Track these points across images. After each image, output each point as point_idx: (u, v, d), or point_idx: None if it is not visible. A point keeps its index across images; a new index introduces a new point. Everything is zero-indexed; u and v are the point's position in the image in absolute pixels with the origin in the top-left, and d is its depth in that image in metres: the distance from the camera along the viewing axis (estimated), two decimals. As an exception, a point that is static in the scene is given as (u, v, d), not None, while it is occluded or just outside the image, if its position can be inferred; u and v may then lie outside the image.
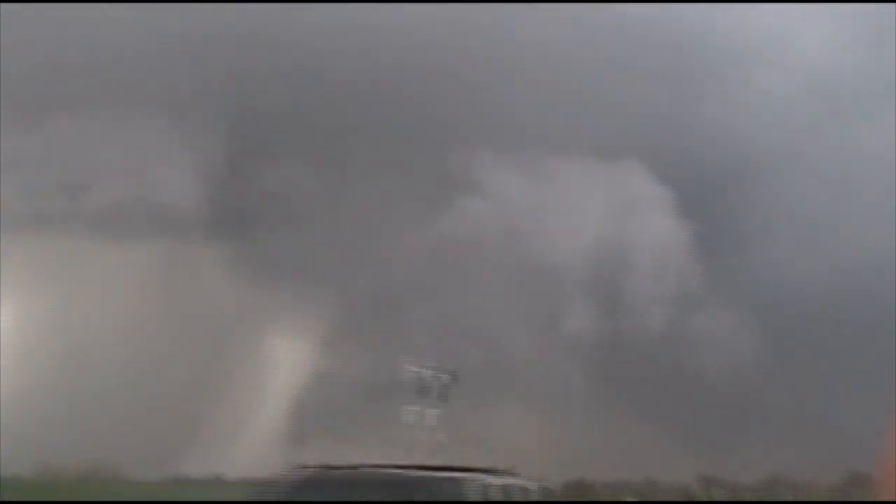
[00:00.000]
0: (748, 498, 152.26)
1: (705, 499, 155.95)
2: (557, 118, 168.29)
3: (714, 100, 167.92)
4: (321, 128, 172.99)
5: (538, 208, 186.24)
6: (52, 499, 52.80)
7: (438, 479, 15.15)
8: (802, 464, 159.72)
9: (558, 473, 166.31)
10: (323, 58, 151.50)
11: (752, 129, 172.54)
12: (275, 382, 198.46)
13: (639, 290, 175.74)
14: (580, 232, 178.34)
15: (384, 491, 14.86)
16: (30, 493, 56.75)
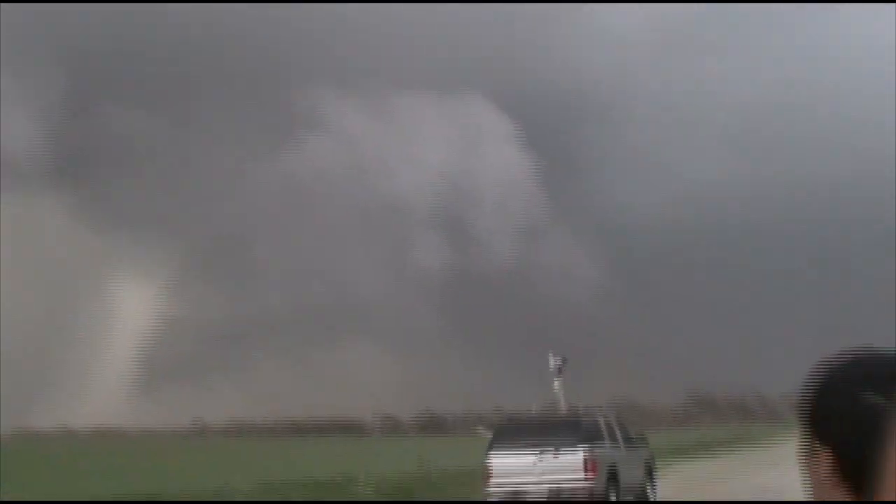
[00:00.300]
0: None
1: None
2: (401, 53, 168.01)
3: (559, 36, 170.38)
4: (163, 70, 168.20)
5: (383, 144, 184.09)
6: None
7: (585, 414, 20.11)
8: (646, 387, 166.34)
9: (411, 407, 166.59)
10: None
11: (596, 65, 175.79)
12: (122, 329, 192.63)
13: (486, 223, 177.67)
14: (426, 166, 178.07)
15: (566, 429, 18.44)
16: None
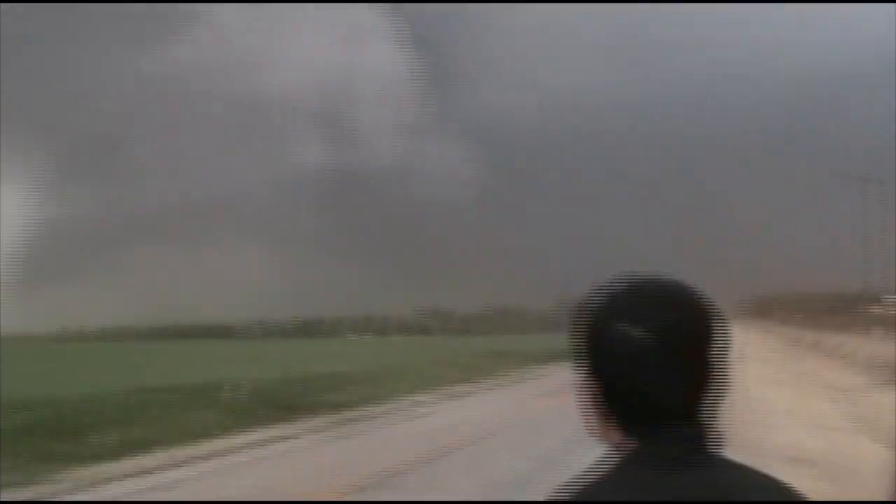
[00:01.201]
0: (475, 328, 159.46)
1: (436, 330, 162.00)
2: None
3: None
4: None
5: (262, 39, 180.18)
6: None
7: None
8: (518, 293, 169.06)
9: (292, 312, 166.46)
10: None
11: None
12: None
13: (366, 121, 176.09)
14: (306, 62, 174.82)
15: None
16: None
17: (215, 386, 24.36)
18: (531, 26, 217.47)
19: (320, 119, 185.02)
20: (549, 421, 19.48)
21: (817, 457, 13.67)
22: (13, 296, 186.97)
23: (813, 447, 14.84)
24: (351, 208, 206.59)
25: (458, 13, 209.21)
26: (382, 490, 11.63)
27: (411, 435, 18.31)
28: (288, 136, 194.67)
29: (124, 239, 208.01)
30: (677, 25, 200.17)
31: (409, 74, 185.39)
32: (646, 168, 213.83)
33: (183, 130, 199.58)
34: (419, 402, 26.70)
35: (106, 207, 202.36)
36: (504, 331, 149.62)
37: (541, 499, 1.39)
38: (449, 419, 21.43)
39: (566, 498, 1.38)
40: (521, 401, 25.65)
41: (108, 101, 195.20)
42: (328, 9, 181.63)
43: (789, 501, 1.38)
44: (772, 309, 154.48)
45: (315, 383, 28.60)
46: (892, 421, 16.63)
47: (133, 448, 16.47)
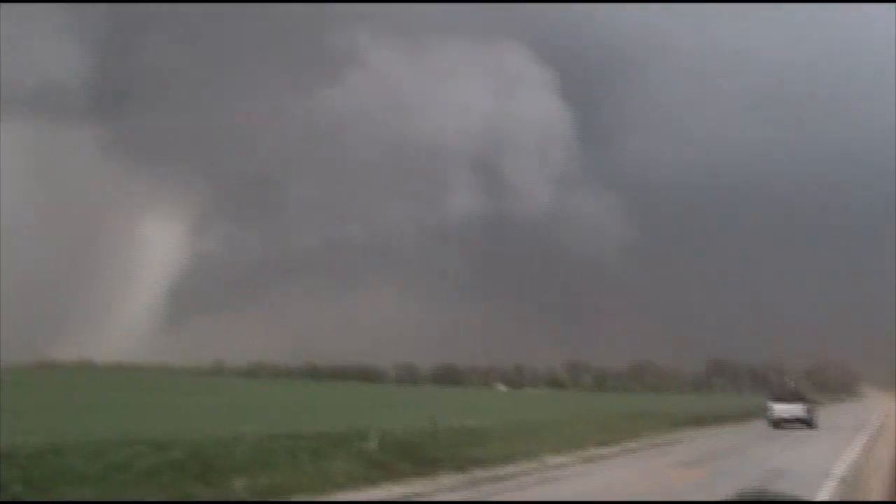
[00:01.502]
0: (611, 384, 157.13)
1: (570, 384, 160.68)
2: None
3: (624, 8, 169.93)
4: (202, 8, 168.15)
5: (420, 85, 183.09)
6: None
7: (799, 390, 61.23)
8: (667, 352, 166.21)
9: (430, 357, 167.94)
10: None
11: (632, 24, 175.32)
12: (148, 266, 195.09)
13: (520, 170, 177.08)
14: (462, 109, 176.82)
15: (796, 395, 56.57)
16: None
17: (355, 434, 24.69)
18: (687, 81, 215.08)
19: (473, 166, 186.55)
20: (685, 496, 19.13)
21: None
22: (162, 329, 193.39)
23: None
24: (498, 257, 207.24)
25: (613, 68, 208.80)
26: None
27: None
28: (440, 182, 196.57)
29: (275, 278, 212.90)
30: (833, 81, 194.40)
31: (560, 124, 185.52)
32: (802, 225, 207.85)
33: (338, 173, 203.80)
34: (554, 464, 26.52)
35: (260, 247, 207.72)
36: (643, 389, 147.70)
37: None
38: (583, 486, 21.22)
39: None
40: (657, 471, 25.18)
41: (265, 141, 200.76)
42: (482, 54, 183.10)
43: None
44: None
45: (453, 437, 28.71)
46: None
47: (265, 494, 16.83)
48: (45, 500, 8.95)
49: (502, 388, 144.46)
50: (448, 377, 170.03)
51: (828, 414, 65.45)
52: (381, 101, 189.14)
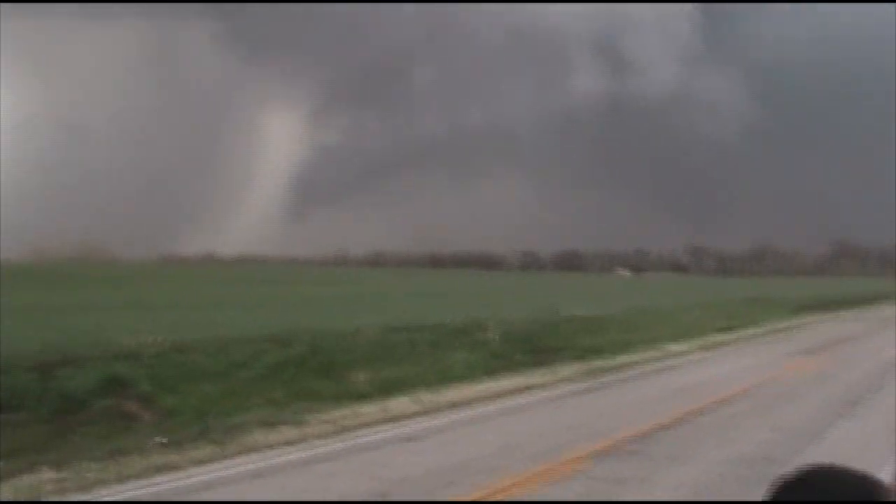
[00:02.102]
0: (734, 267, 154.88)
1: (692, 268, 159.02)
2: None
3: None
4: None
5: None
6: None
7: None
8: (790, 234, 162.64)
9: (552, 244, 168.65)
10: None
11: None
12: (269, 158, 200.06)
13: (642, 50, 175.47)
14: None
15: None
16: (26, 277, 58.12)
17: (475, 325, 24.82)
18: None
19: (593, 47, 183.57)
20: (805, 386, 18.77)
21: None
22: (285, 220, 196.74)
23: None
24: (619, 142, 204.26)
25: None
26: (620, 458, 11.51)
27: (660, 392, 18.01)
28: (564, 64, 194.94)
29: (397, 167, 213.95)
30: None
31: (683, 7, 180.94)
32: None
33: (459, 59, 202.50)
34: (673, 352, 26.29)
35: (379, 135, 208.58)
36: (765, 273, 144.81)
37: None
38: (700, 375, 20.98)
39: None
40: (775, 359, 24.71)
41: (380, 29, 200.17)
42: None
43: None
44: None
45: (572, 326, 28.69)
46: None
47: (388, 389, 17.02)
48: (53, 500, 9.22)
49: (624, 273, 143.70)
50: (570, 263, 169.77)
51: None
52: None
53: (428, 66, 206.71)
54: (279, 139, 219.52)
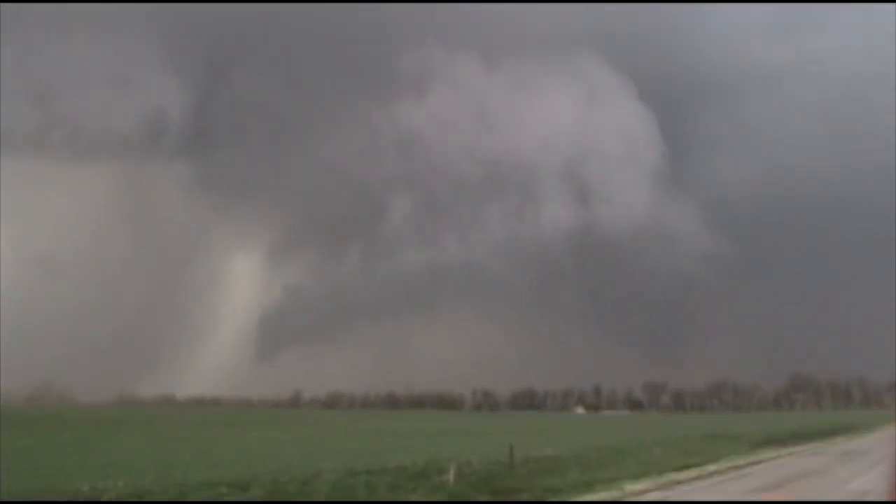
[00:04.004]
0: (690, 403, 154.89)
1: (649, 405, 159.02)
2: (513, 15, 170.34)
3: (698, 21, 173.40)
4: (275, 40, 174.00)
5: (502, 99, 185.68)
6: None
7: None
8: (749, 367, 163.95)
9: (508, 382, 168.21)
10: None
11: (715, 42, 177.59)
12: (235, 300, 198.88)
13: (603, 183, 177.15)
14: (544, 122, 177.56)
15: None
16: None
17: (433, 466, 24.73)
18: (763, 97, 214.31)
19: (561, 180, 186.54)
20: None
21: None
22: (247, 362, 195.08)
23: None
24: (583, 275, 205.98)
25: (690, 86, 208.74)
26: None
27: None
28: (529, 196, 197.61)
29: (355, 308, 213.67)
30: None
31: (647, 142, 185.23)
32: (882, 236, 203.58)
33: (426, 189, 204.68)
34: (633, 491, 26.22)
35: (338, 278, 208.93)
36: (722, 408, 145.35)
37: None
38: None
39: None
40: (737, 497, 24.71)
41: (345, 176, 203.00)
42: (566, 70, 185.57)
43: None
44: None
45: (531, 465, 28.58)
46: None
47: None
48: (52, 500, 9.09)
49: (581, 410, 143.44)
50: (527, 402, 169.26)
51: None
52: (462, 115, 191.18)
53: (397, 198, 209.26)
54: (245, 280, 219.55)
